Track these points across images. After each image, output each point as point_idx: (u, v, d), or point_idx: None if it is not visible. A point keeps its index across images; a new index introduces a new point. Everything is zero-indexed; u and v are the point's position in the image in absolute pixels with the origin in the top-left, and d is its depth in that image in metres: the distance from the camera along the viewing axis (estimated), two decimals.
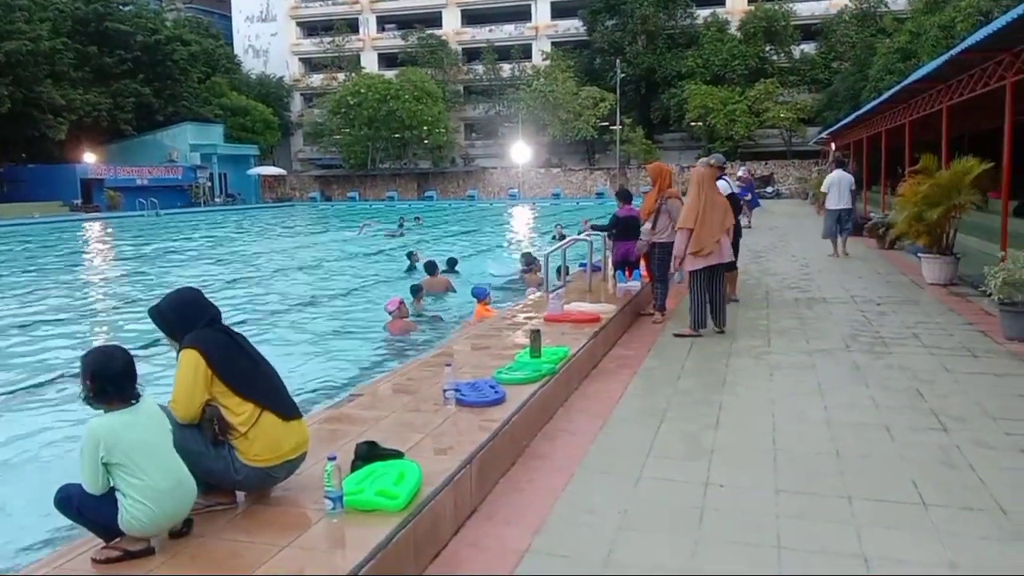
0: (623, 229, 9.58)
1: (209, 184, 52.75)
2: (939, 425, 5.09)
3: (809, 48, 55.22)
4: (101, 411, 2.91)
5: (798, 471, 4.40)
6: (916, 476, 4.26)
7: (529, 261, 13.53)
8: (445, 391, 4.70)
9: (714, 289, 8.03)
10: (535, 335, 5.70)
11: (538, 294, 9.16)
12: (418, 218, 30.14)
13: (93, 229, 35.62)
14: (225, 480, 3.31)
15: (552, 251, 9.28)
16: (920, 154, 12.89)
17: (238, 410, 3.28)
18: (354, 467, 3.58)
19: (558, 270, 9.65)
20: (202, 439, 3.28)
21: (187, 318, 3.41)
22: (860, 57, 41.91)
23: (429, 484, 3.46)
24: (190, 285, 3.74)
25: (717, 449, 4.73)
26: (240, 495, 3.40)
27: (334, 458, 3.14)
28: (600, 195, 51.67)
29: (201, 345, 3.29)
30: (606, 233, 10.17)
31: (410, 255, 17.07)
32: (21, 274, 19.07)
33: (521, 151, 53.52)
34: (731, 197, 9.75)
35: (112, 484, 2.87)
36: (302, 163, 67.34)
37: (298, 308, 13.32)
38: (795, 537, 3.58)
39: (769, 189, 46.23)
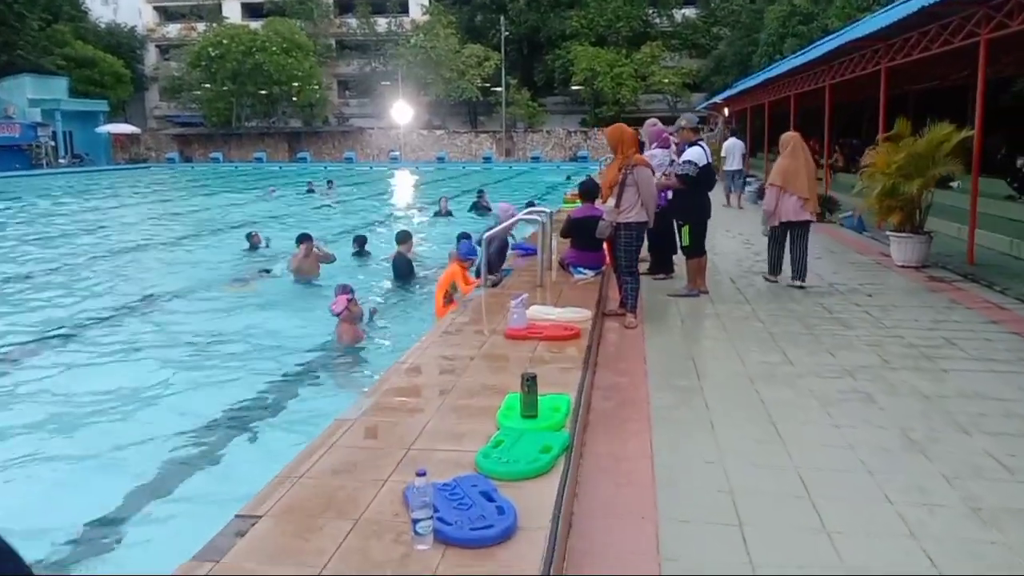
0: (580, 235, 7.61)
1: (52, 144, 46.97)
2: None
3: (690, 13, 54.71)
4: None
5: None
6: None
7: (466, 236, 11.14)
8: (416, 522, 2.62)
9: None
10: (530, 384, 3.67)
11: (477, 292, 7.06)
12: (330, 182, 27.20)
13: None
14: None
15: (493, 232, 7.13)
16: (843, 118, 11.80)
17: None
18: None
19: (491, 261, 7.57)
20: None
21: None
22: (748, 23, 41.32)
23: None
24: None
25: None
26: None
27: None
28: (487, 159, 49.52)
29: None
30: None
31: (249, 236, 14.52)
32: None
33: (402, 111, 50.38)
34: (707, 168, 7.96)
35: None
36: (158, 121, 61.53)
37: (161, 305, 10.69)
38: None
39: None
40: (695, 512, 3.47)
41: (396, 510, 2.86)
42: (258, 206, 24.21)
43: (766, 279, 9.06)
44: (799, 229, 8.57)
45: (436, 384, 4.37)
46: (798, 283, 8.58)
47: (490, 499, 2.86)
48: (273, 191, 27.53)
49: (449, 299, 7.80)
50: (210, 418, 6.39)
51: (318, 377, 7.53)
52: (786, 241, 8.72)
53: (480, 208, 19.48)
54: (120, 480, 5.27)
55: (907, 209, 10.03)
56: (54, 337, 9.05)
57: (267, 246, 14.21)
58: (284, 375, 7.52)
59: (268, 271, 11.86)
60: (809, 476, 3.82)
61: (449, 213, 19.27)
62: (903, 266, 9.98)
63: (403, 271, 11.15)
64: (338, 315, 7.96)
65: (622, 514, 3.44)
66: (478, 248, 7.55)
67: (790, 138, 8.79)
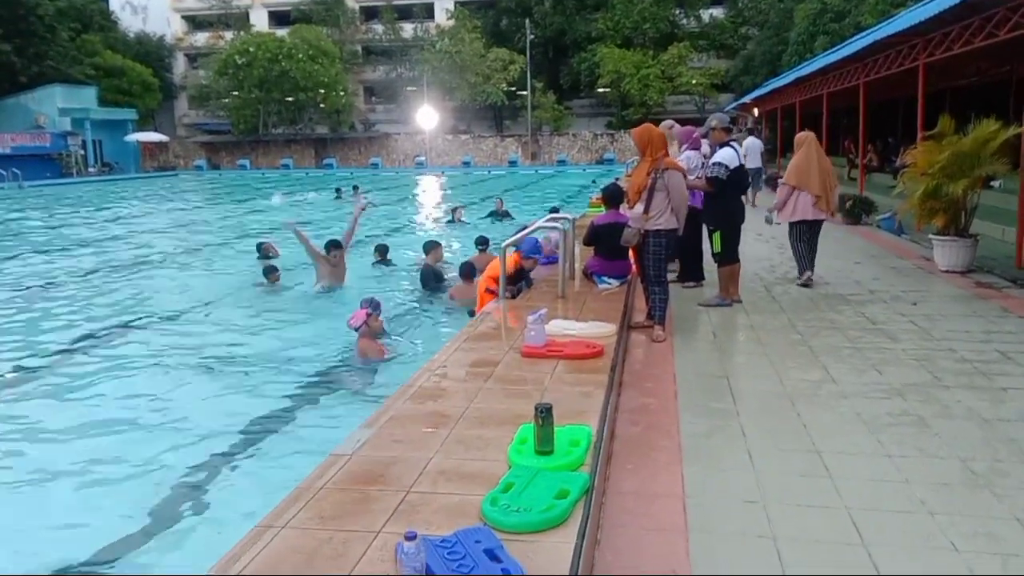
0: (605, 243, 7.20)
1: (82, 152, 47.36)
2: None
3: (718, 13, 54.04)
4: None
5: None
6: None
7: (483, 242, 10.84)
8: None
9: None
10: (544, 416, 3.27)
11: (493, 304, 6.68)
12: (356, 187, 26.96)
13: None
14: None
15: (511, 241, 6.76)
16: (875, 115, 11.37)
17: None
18: None
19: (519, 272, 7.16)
20: None
21: None
22: (776, 22, 40.58)
23: None
24: None
25: None
26: None
27: None
28: (513, 163, 49.16)
29: None
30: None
31: (260, 246, 14.11)
32: None
33: (427, 116, 50.16)
34: (740, 170, 7.52)
35: None
36: (187, 128, 62.03)
37: (173, 316, 10.42)
38: None
39: None
40: (733, 564, 3.05)
41: (387, 569, 2.49)
42: (280, 212, 24.05)
43: (799, 285, 8.78)
44: (811, 227, 8.75)
45: (443, 412, 3.98)
46: (801, 280, 8.79)
47: (495, 558, 2.48)
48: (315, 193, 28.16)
49: (490, 291, 7.39)
50: (217, 438, 6.04)
51: (334, 394, 7.16)
52: (809, 239, 8.87)
53: (498, 215, 19.28)
54: (118, 500, 4.99)
55: (951, 211, 9.50)
56: (63, 349, 8.81)
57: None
58: (299, 392, 7.15)
59: (274, 269, 11.58)
60: (862, 518, 3.38)
61: (462, 221, 19.05)
62: (947, 271, 9.46)
63: (430, 282, 10.82)
64: (356, 330, 7.63)
65: (649, 567, 3.03)
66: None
67: (804, 137, 8.98)
